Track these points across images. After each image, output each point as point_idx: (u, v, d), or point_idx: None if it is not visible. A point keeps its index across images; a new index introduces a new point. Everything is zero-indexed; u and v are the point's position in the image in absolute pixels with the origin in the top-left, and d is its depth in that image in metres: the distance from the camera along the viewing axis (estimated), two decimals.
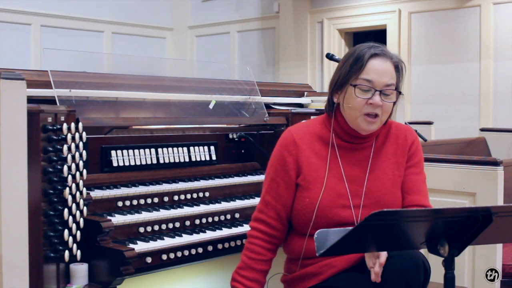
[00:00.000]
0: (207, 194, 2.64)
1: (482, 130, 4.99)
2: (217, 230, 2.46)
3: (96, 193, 2.31)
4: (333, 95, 2.11)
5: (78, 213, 2.12)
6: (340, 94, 2.08)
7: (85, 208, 2.16)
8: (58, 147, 2.08)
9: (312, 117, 3.02)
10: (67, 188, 2.08)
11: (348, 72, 2.05)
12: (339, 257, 1.99)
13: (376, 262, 1.86)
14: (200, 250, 2.33)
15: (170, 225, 2.40)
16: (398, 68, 2.08)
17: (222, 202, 2.63)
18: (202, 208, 2.52)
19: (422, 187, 2.14)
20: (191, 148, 2.77)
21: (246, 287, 2.08)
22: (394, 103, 2.08)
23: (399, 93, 2.08)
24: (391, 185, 2.10)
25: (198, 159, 2.79)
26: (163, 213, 2.39)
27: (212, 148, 2.85)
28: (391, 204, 2.07)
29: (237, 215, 2.63)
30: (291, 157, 2.10)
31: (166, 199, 2.50)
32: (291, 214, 2.13)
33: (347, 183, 2.07)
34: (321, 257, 1.74)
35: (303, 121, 2.39)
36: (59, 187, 2.08)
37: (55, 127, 2.08)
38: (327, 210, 2.03)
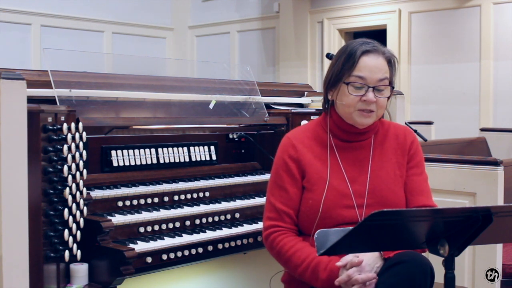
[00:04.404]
0: (207, 194, 2.64)
1: (482, 130, 4.98)
2: (217, 230, 2.46)
3: (96, 193, 2.31)
4: (327, 92, 2.12)
5: (78, 213, 2.12)
6: (334, 91, 2.08)
7: (85, 208, 2.16)
8: (58, 147, 2.08)
9: (312, 117, 3.02)
10: (67, 188, 2.08)
11: (340, 70, 2.05)
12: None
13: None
14: (200, 250, 2.33)
15: (170, 225, 2.40)
16: (390, 62, 2.08)
17: (222, 202, 2.63)
18: (202, 208, 2.52)
19: (424, 187, 2.13)
20: (191, 148, 2.77)
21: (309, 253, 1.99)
22: (388, 97, 2.08)
23: (392, 87, 2.08)
24: (393, 184, 2.09)
25: (198, 159, 2.79)
26: (163, 213, 2.39)
27: (212, 148, 2.85)
28: (394, 203, 2.06)
29: (237, 215, 2.63)
30: (293, 163, 2.09)
31: (166, 199, 2.50)
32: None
33: (349, 183, 2.06)
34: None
35: (300, 125, 2.37)
36: (59, 187, 2.08)
37: (55, 127, 2.08)
38: (331, 210, 2.02)
